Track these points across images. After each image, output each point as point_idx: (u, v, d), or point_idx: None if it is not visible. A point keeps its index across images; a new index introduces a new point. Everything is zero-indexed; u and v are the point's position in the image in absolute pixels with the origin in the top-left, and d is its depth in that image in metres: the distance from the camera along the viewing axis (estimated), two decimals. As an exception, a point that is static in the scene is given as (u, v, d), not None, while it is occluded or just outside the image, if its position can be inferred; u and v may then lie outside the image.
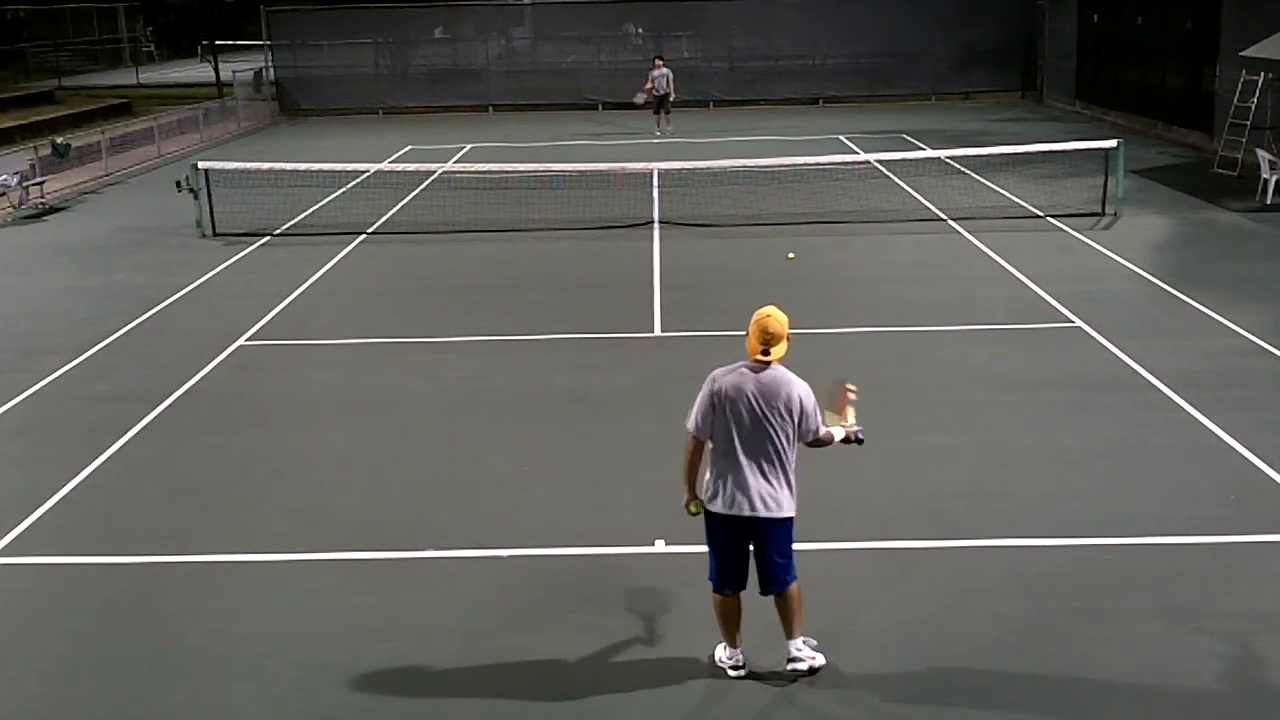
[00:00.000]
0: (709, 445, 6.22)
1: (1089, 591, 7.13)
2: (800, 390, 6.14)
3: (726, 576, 6.30)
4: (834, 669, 6.39)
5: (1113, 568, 7.42)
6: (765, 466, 6.10)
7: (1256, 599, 7.01)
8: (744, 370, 6.16)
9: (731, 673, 6.35)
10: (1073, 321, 12.44)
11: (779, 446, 6.10)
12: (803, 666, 6.34)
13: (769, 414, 6.07)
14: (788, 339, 6.18)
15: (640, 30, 36.85)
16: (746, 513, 6.11)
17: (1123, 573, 7.35)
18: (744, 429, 6.09)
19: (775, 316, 6.17)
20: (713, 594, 6.37)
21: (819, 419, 6.22)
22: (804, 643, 6.40)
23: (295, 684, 6.43)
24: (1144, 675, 6.30)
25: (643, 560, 7.65)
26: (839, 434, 6.43)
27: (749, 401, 6.08)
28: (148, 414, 10.46)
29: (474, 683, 6.42)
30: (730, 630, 6.37)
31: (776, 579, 6.28)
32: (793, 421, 6.10)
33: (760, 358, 6.12)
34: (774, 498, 6.12)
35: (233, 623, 7.06)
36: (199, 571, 7.70)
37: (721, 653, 6.44)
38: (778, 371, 6.15)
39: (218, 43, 41.99)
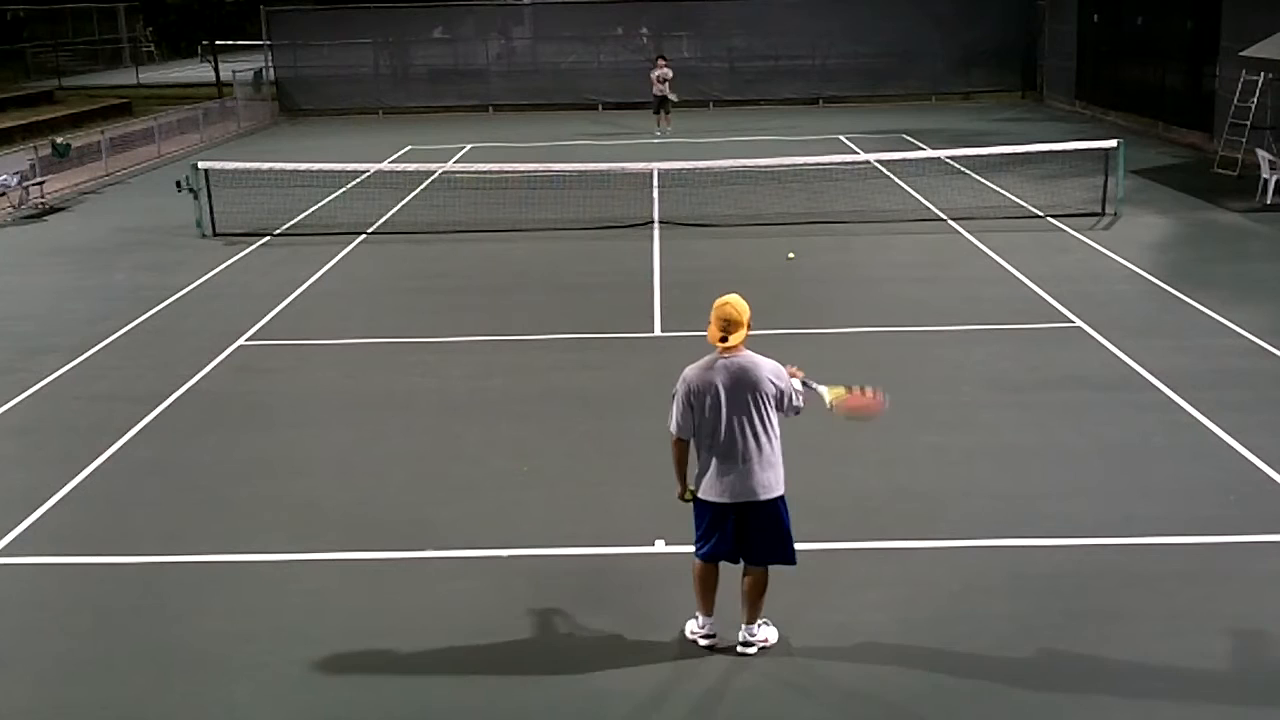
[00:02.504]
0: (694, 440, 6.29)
1: (1089, 591, 7.12)
2: (770, 370, 6.23)
3: (715, 551, 6.39)
4: (834, 669, 6.39)
5: (1113, 568, 7.42)
6: (751, 451, 6.18)
7: (1256, 599, 7.01)
8: (712, 363, 6.24)
9: (702, 642, 6.46)
10: (1073, 321, 12.43)
11: (761, 429, 6.19)
12: (753, 651, 6.47)
13: (744, 401, 6.16)
14: (748, 324, 6.24)
15: (645, 31, 36.86)
16: (740, 500, 6.22)
17: (1123, 573, 7.35)
18: (723, 420, 6.16)
19: (733, 303, 6.26)
20: (694, 559, 6.46)
21: (794, 390, 6.30)
22: (761, 624, 6.53)
23: (295, 684, 6.43)
24: (1144, 675, 6.30)
25: (642, 560, 7.66)
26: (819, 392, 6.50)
27: (723, 393, 6.16)
28: (148, 414, 10.45)
29: (473, 682, 6.42)
30: (706, 597, 6.47)
31: (775, 552, 6.35)
32: (770, 402, 6.19)
33: (721, 344, 6.19)
34: (767, 480, 6.22)
35: (233, 623, 7.06)
36: (199, 571, 7.70)
37: (693, 624, 6.53)
38: (744, 357, 6.22)
39: (218, 43, 41.97)
